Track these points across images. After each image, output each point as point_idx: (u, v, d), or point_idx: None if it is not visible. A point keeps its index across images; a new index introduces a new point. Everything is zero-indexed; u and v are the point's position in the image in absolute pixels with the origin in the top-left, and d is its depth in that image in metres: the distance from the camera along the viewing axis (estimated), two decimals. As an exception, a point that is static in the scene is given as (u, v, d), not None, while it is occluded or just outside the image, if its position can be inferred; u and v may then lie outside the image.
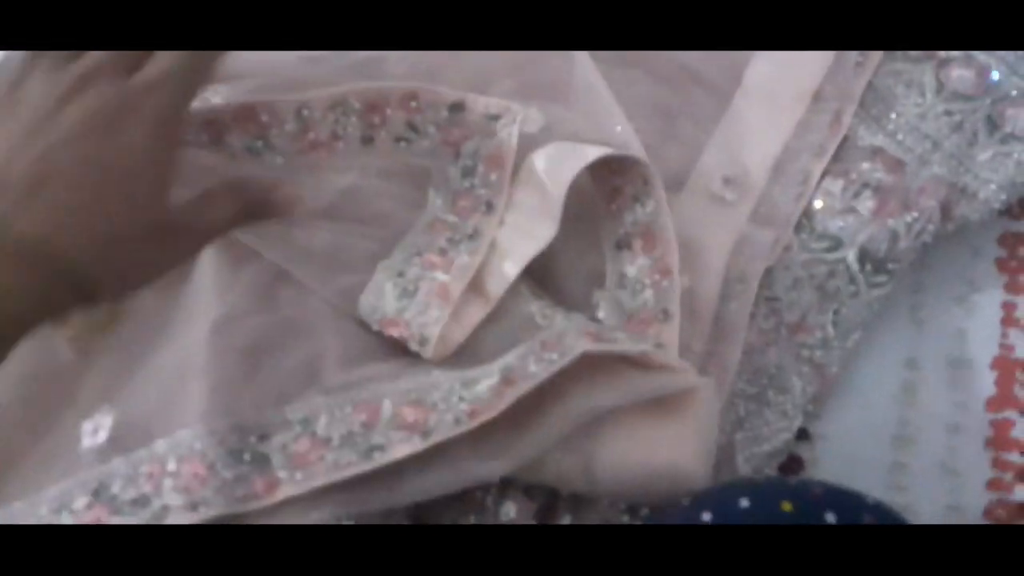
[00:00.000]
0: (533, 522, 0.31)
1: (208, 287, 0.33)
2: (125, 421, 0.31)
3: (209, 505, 0.29)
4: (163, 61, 0.29)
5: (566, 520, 0.32)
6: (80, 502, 0.29)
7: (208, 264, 0.33)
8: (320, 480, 0.29)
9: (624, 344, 0.31)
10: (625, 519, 0.32)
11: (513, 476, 0.31)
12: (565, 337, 0.31)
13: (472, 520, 0.31)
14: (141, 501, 0.29)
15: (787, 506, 0.25)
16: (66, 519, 0.29)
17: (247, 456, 0.29)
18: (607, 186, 0.36)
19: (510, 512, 0.31)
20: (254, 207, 0.33)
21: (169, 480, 0.29)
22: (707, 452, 0.30)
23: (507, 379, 0.30)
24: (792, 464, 0.37)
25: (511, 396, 0.29)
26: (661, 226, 0.35)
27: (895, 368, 0.39)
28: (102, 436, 0.30)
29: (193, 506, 0.29)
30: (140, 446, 0.30)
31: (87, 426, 0.31)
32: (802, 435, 0.37)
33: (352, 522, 0.29)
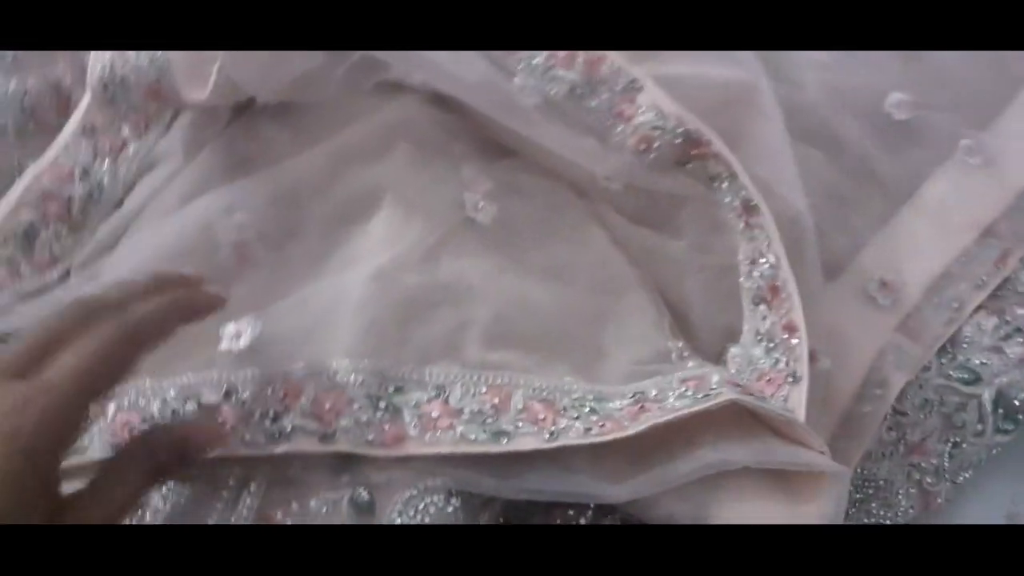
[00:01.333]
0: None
1: (379, 233, 0.33)
2: (268, 334, 0.31)
3: (338, 440, 0.28)
4: (66, 364, 0.25)
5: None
6: (210, 397, 0.30)
7: (382, 211, 0.33)
8: (446, 448, 0.29)
9: (772, 405, 0.30)
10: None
11: (618, 506, 0.30)
12: (709, 379, 0.30)
13: (559, 534, 0.30)
14: (271, 416, 0.29)
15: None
16: (191, 408, 0.30)
17: (383, 404, 0.29)
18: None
19: (600, 538, 0.30)
20: (170, 458, 0.27)
21: (305, 403, 0.29)
22: (822, 541, 0.29)
23: (640, 405, 0.30)
24: (880, 581, 0.36)
25: (647, 421, 0.29)
26: (783, 281, 0.34)
27: (995, 517, 0.37)
28: (243, 342, 0.30)
29: (323, 436, 0.29)
30: (279, 363, 0.30)
31: (230, 328, 0.31)
32: (892, 556, 0.36)
33: (456, 501, 0.29)
